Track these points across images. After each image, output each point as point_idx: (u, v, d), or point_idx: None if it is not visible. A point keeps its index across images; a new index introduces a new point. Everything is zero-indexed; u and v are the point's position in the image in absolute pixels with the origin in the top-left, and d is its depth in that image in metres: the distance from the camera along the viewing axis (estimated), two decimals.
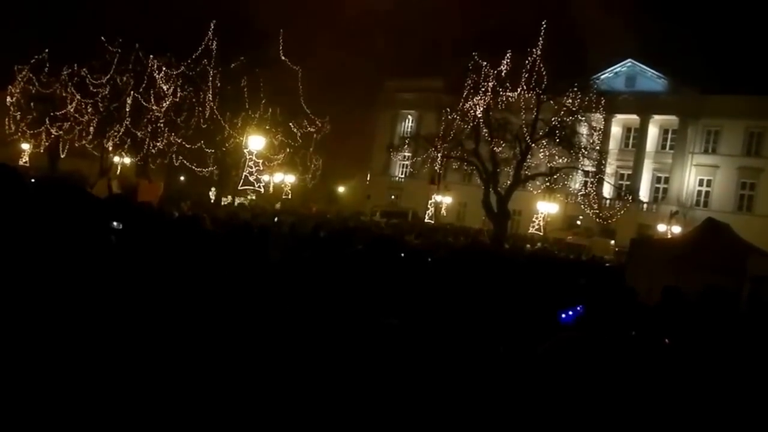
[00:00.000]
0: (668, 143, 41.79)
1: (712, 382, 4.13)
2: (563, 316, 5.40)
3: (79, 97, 32.42)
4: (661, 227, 32.79)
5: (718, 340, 4.53)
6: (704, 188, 40.28)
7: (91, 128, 32.78)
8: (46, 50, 33.60)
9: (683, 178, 40.52)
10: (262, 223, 13.05)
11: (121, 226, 5.16)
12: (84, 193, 2.32)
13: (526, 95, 25.10)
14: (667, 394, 3.49)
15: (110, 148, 33.36)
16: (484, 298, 4.90)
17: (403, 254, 8.32)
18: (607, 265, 17.09)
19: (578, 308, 5.41)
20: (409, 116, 49.79)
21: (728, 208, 37.38)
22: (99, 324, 2.12)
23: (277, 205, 32.46)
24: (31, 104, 35.29)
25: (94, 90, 31.93)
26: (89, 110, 32.66)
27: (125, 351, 2.33)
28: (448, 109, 25.88)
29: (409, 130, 47.52)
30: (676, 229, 29.77)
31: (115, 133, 31.71)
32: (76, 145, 34.09)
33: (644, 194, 41.02)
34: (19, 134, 35.52)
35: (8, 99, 35.21)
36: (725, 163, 39.40)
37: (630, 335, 4.39)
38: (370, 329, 3.45)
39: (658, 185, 41.94)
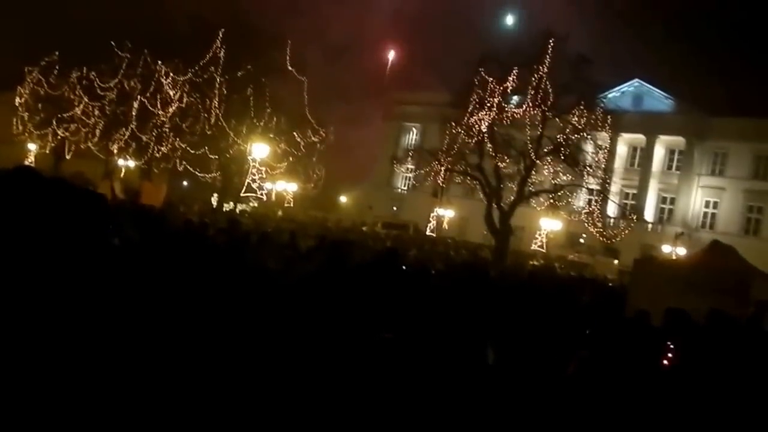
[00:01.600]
0: (674, 164, 41.67)
1: (715, 404, 4.02)
2: None
3: (86, 100, 32.63)
4: (666, 248, 32.57)
5: (723, 364, 4.40)
6: (710, 210, 40.08)
7: (97, 131, 32.98)
8: (57, 53, 33.93)
9: (689, 199, 40.35)
10: (263, 231, 13.01)
11: (112, 228, 5.05)
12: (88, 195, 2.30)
13: (532, 112, 25.03)
14: (675, 415, 3.44)
15: (115, 151, 33.50)
16: (480, 313, 4.79)
17: (404, 267, 8.19)
18: (610, 285, 16.94)
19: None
20: (414, 129, 49.88)
21: (734, 230, 37.15)
22: (98, 327, 2.09)
23: (279, 213, 32.44)
24: (39, 105, 35.53)
25: (102, 93, 32.15)
26: (96, 113, 32.87)
27: (122, 357, 2.29)
28: (453, 123, 25.80)
29: (413, 142, 47.58)
30: (681, 251, 29.56)
31: (121, 137, 31.85)
32: (82, 146, 34.28)
33: (649, 214, 40.83)
34: (26, 134, 35.73)
35: (17, 99, 35.46)
36: (732, 185, 39.21)
37: (637, 358, 4.30)
38: (367, 344, 3.43)
39: (663, 206, 41.77)
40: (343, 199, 51.60)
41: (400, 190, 49.77)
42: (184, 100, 29.66)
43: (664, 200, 41.78)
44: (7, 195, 1.90)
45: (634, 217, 32.43)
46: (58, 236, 1.94)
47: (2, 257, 1.81)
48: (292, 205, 34.50)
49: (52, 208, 1.95)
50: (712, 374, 4.35)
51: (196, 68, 28.48)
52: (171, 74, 29.18)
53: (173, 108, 29.56)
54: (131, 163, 34.79)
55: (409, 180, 43.85)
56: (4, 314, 1.76)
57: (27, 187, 1.93)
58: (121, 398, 2.09)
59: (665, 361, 4.98)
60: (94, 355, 1.96)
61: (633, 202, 40.14)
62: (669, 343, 5.12)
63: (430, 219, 33.06)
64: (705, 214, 40.17)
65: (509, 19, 25.57)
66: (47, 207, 1.94)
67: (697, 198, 40.39)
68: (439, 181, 27.99)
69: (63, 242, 1.95)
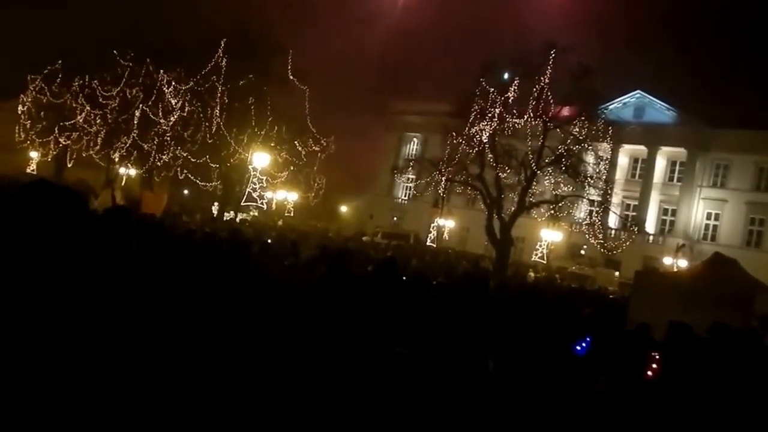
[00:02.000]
0: (676, 175, 41.60)
1: (711, 417, 3.97)
2: (577, 348, 5.24)
3: (88, 108, 32.74)
4: (668, 260, 32.45)
5: (727, 378, 4.35)
6: (712, 222, 39.92)
7: (99, 139, 33.05)
8: (59, 61, 34.07)
9: (691, 211, 40.22)
10: (265, 241, 12.98)
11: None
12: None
13: (533, 122, 25.07)
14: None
15: (116, 159, 33.57)
16: (482, 325, 4.74)
17: (404, 277, 8.14)
18: (611, 297, 16.87)
19: (587, 339, 5.27)
20: (415, 139, 49.96)
21: (736, 243, 36.97)
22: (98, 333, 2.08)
23: (279, 222, 32.41)
24: (42, 113, 35.65)
25: (104, 101, 32.25)
26: (98, 121, 32.96)
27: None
28: (454, 133, 25.83)
29: (414, 152, 47.65)
30: (683, 263, 29.47)
31: (122, 145, 31.93)
32: (84, 155, 34.33)
33: (650, 226, 40.68)
34: (29, 142, 35.84)
35: (20, 107, 35.59)
36: (734, 197, 39.09)
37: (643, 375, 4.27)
38: (380, 358, 3.43)
39: (664, 217, 41.64)
40: (343, 208, 51.56)
41: (400, 200, 49.74)
42: (186, 108, 29.74)
43: (665, 212, 41.67)
44: (29, 209, 1.92)
45: (636, 229, 32.30)
46: (76, 250, 1.96)
47: (16, 268, 1.82)
48: (292, 214, 34.48)
49: (75, 224, 1.98)
50: (709, 387, 4.31)
51: (198, 77, 28.58)
52: (173, 83, 29.28)
53: (175, 117, 29.64)
54: (132, 172, 34.84)
55: (410, 190, 43.85)
56: (10, 320, 1.76)
57: (49, 202, 1.95)
58: (122, 402, 2.10)
59: (649, 372, 4.96)
60: (95, 361, 1.97)
61: (634, 214, 39.99)
62: (654, 354, 5.10)
63: (431, 229, 33.05)
64: (706, 226, 40.02)
65: (505, 75, 25.91)
66: (70, 222, 1.97)
67: (699, 210, 40.27)
68: (439, 191, 27.98)
69: (80, 254, 1.98)
